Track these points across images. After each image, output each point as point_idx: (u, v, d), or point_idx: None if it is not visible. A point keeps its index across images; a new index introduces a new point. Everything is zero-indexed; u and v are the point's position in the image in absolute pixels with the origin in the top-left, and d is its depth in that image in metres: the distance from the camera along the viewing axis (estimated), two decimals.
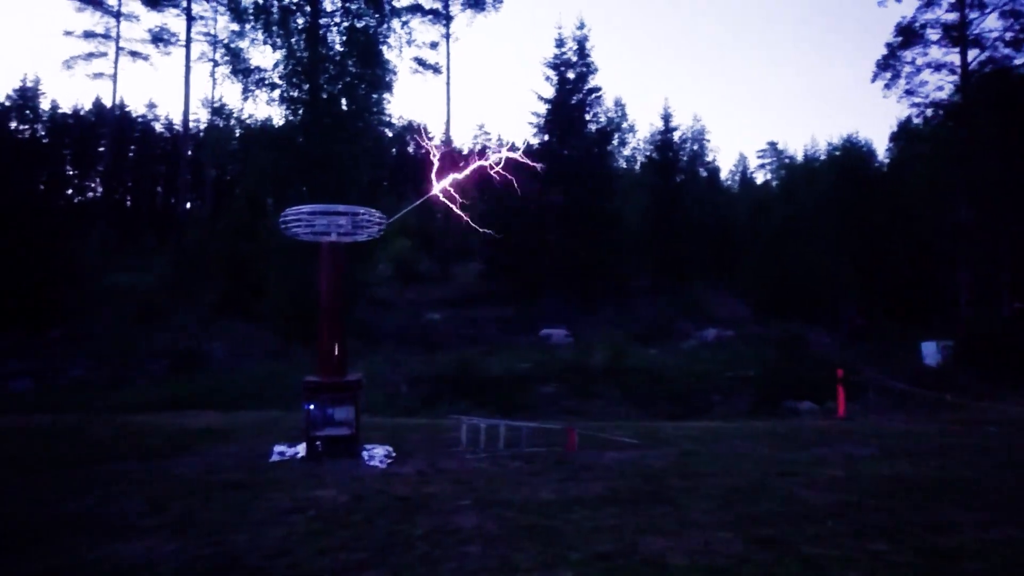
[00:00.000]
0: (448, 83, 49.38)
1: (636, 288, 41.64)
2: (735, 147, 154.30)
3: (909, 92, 33.62)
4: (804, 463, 8.98)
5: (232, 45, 28.39)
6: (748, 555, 5.22)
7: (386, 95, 28.66)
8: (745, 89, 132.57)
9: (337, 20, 27.61)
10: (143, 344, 26.65)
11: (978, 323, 28.48)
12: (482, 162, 11.19)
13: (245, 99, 27.72)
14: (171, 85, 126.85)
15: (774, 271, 36.35)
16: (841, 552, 5.27)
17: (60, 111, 62.79)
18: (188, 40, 48.19)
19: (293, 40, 26.60)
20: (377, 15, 27.73)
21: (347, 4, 27.39)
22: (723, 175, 75.97)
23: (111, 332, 27.60)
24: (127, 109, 63.49)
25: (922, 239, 34.63)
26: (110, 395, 19.26)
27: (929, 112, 34.39)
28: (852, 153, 44.04)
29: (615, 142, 53.24)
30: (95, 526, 6.10)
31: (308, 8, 27.00)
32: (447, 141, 54.39)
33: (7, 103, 57.40)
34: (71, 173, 62.73)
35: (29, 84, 60.47)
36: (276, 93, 26.99)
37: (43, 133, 60.86)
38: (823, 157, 56.67)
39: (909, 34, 32.84)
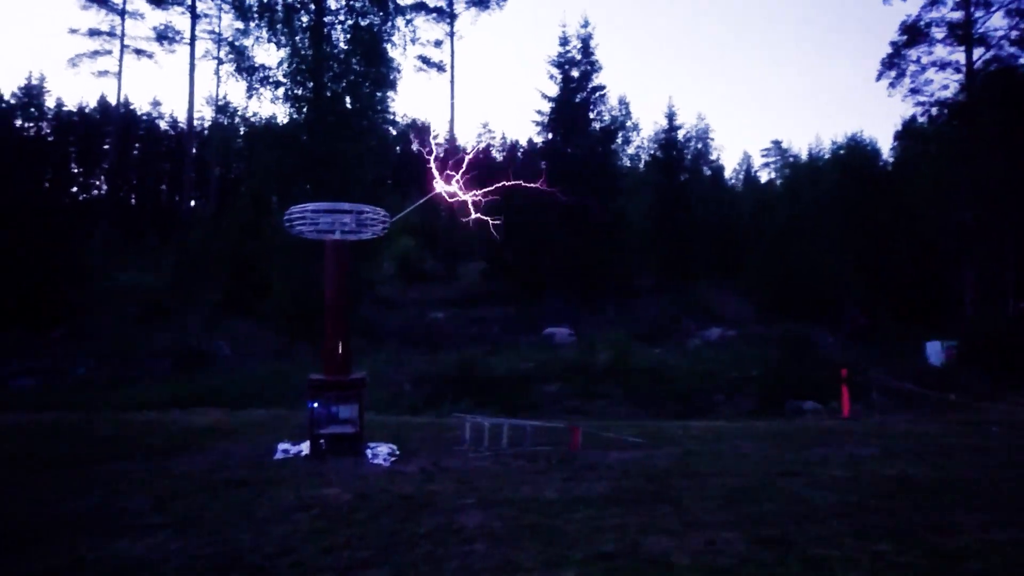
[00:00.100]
0: (452, 81, 49.48)
1: (640, 287, 41.64)
2: (739, 146, 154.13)
3: (914, 91, 33.53)
4: (807, 463, 8.98)
5: (236, 43, 28.44)
6: (751, 555, 5.22)
7: (390, 93, 28.71)
8: (749, 87, 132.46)
9: (341, 18, 27.64)
10: (147, 343, 26.71)
11: (982, 323, 28.39)
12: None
13: (249, 97, 27.81)
14: (175, 83, 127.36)
15: (778, 270, 36.28)
16: (844, 552, 5.27)
17: (65, 109, 62.95)
18: (192, 38, 48.34)
19: (297, 38, 26.62)
20: (381, 13, 27.74)
21: (351, 2, 27.42)
22: (727, 174, 75.95)
23: (115, 331, 27.66)
24: (132, 107, 63.68)
25: (926, 238, 34.53)
26: (114, 394, 19.30)
27: (934, 111, 34.28)
28: (856, 152, 43.96)
29: (619, 141, 53.19)
30: (99, 524, 6.13)
31: (312, 6, 27.04)
32: (451, 139, 54.47)
33: (12, 101, 57.56)
34: (76, 171, 62.87)
35: (34, 82, 60.67)
36: (280, 91, 27.04)
37: (48, 131, 61.01)
38: (827, 156, 56.62)
39: (914, 32, 32.74)
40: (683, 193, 46.67)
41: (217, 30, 49.20)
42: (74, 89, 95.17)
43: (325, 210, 9.89)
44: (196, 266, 36.74)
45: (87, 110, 63.67)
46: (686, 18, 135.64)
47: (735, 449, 10.27)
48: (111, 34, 49.54)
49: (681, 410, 19.10)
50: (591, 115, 40.87)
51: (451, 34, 49.21)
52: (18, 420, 13.01)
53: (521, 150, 64.31)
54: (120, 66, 50.06)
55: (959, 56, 32.58)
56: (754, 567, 4.97)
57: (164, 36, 49.41)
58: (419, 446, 10.58)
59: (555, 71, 40.48)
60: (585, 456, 9.66)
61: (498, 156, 74.17)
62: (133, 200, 64.75)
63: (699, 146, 65.93)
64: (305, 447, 9.51)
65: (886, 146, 57.87)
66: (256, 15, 26.80)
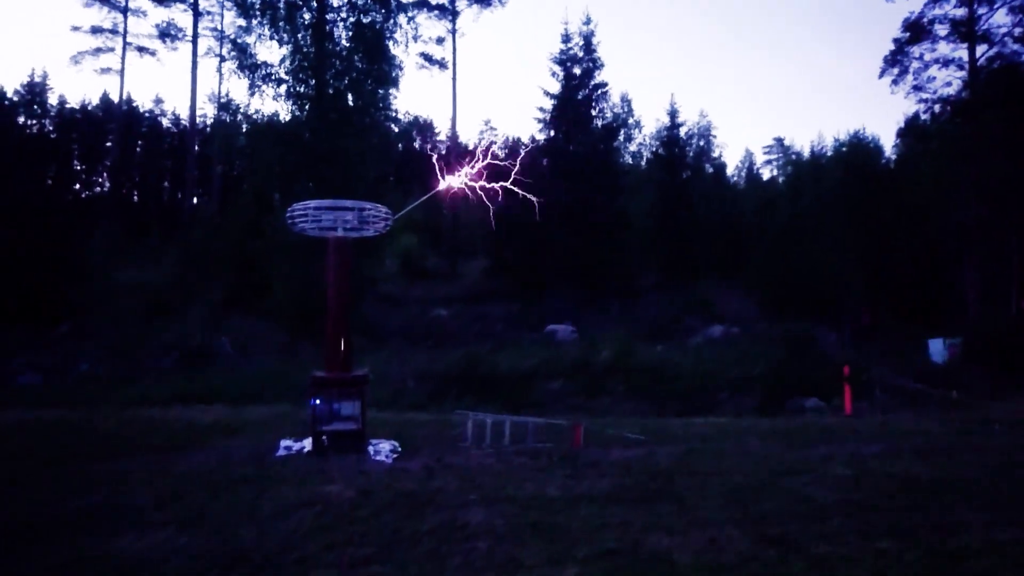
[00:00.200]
0: (454, 79, 49.41)
1: (642, 285, 41.61)
2: (741, 143, 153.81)
3: (917, 88, 33.44)
4: (810, 461, 8.97)
5: (239, 40, 28.51)
6: (754, 553, 5.22)
7: (392, 91, 28.69)
8: (751, 85, 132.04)
9: (343, 15, 27.63)
10: (150, 340, 26.74)
11: (985, 322, 28.36)
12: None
13: (251, 94, 27.89)
14: (178, 81, 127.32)
15: (780, 268, 36.23)
16: (847, 551, 5.27)
17: (68, 106, 62.92)
18: (195, 35, 48.32)
19: (299, 35, 26.63)
20: (383, 10, 27.73)
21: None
22: (729, 171, 75.78)
23: (118, 328, 27.68)
24: (134, 104, 63.59)
25: (929, 237, 34.47)
26: (118, 390, 19.32)
27: (937, 108, 34.19)
28: (859, 149, 43.89)
29: (621, 138, 53.16)
30: (102, 521, 6.14)
31: (314, 3, 27.03)
32: (453, 137, 54.46)
33: (15, 98, 57.57)
34: (78, 169, 62.91)
35: (37, 79, 60.67)
36: (282, 88, 27.05)
37: (51, 128, 61.05)
38: (830, 153, 56.50)
39: (917, 29, 32.65)
40: (685, 191, 46.59)
41: (219, 27, 49.23)
42: (77, 86, 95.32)
43: (327, 207, 9.90)
44: (199, 263, 36.75)
45: (90, 107, 63.65)
46: (688, 15, 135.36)
47: (737, 447, 10.27)
48: (114, 31, 49.57)
49: (684, 408, 19.08)
50: (593, 112, 40.83)
51: (453, 31, 49.16)
52: (22, 417, 13.04)
53: (523, 147, 64.25)
54: (123, 63, 50.10)
55: (962, 53, 32.51)
56: (757, 565, 4.97)
57: (166, 33, 49.43)
58: (421, 443, 10.59)
59: (557, 68, 40.43)
60: (587, 454, 9.66)
61: (500, 153, 74.15)
62: (135, 197, 64.75)
63: (701, 143, 65.74)
64: (307, 444, 9.52)
65: (889, 144, 57.81)
66: (258, 12, 26.83)
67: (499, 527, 5.93)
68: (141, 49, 50.39)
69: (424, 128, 72.34)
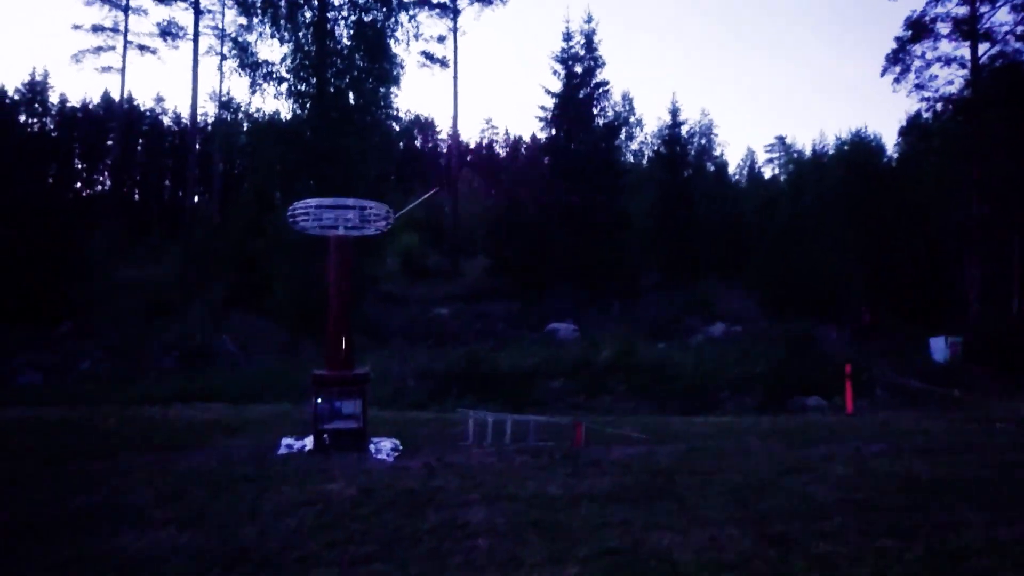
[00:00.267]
0: (455, 77, 49.38)
1: (643, 284, 41.62)
2: (743, 142, 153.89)
3: (919, 86, 33.46)
4: (811, 460, 8.96)
5: (239, 39, 28.44)
6: (756, 552, 5.22)
7: (393, 89, 28.66)
8: (753, 83, 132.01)
9: (345, 14, 27.61)
10: (152, 339, 26.76)
11: (987, 320, 28.35)
12: None
13: (252, 93, 27.80)
14: (179, 79, 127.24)
15: (782, 267, 36.21)
16: (849, 549, 5.27)
17: (69, 105, 63.04)
18: (196, 34, 48.26)
19: (300, 34, 26.62)
20: (384, 9, 27.70)
21: None
22: (731, 170, 75.75)
23: (120, 327, 27.72)
24: (135, 103, 63.70)
25: (931, 235, 34.47)
26: (119, 389, 19.35)
27: (939, 107, 34.21)
28: (861, 148, 43.84)
29: (622, 137, 53.16)
30: (105, 519, 6.14)
31: (315, 1, 27.01)
32: (454, 135, 54.43)
33: (16, 97, 57.63)
34: (79, 167, 63.01)
35: (38, 78, 60.74)
36: (283, 87, 27.05)
37: (52, 127, 61.14)
38: (831, 152, 56.45)
39: (919, 28, 32.64)
40: (686, 190, 46.59)
41: (220, 26, 49.18)
42: (78, 85, 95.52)
43: (328, 206, 9.89)
44: (200, 262, 36.82)
45: (91, 106, 63.75)
46: (689, 13, 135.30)
47: (738, 446, 10.26)
48: (114, 30, 49.58)
49: (684, 407, 19.08)
50: (594, 111, 40.83)
51: (454, 30, 49.15)
52: (24, 415, 13.05)
53: (524, 146, 64.21)
54: (123, 62, 50.12)
55: (964, 51, 32.53)
56: (758, 564, 4.97)
57: (167, 32, 49.41)
58: (423, 442, 10.59)
59: (558, 67, 40.43)
60: (588, 452, 9.66)
61: (501, 152, 74.16)
62: (136, 196, 64.84)
63: (703, 142, 65.70)
64: (309, 442, 9.53)
65: (891, 142, 57.70)
66: (259, 10, 26.80)
67: (500, 525, 5.92)
68: (142, 48, 50.43)
69: (425, 127, 72.39)
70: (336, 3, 27.55)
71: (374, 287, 32.14)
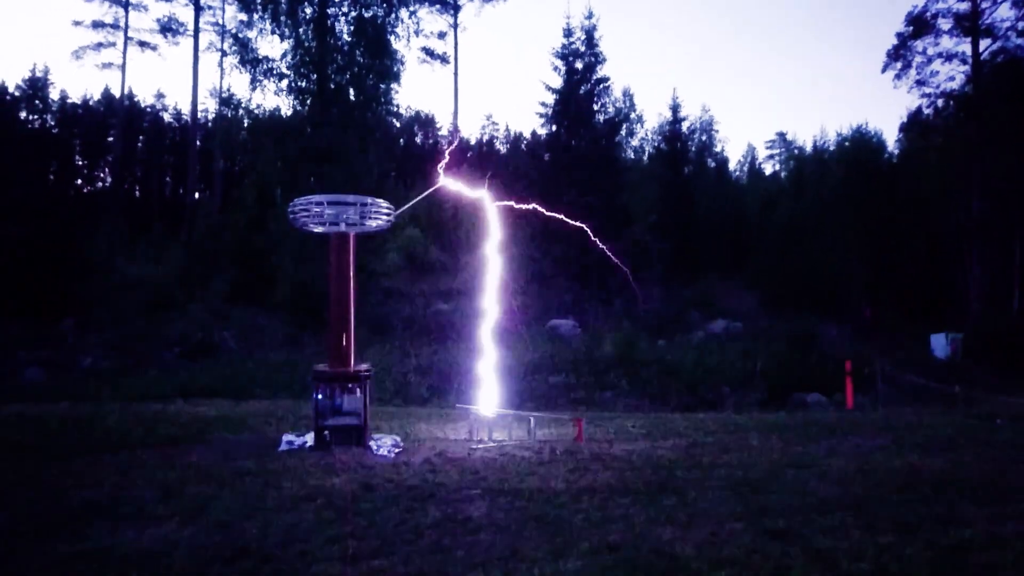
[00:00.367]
0: (456, 73, 49.43)
1: (646, 280, 41.56)
2: (743, 138, 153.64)
3: (920, 82, 33.45)
4: (813, 455, 8.98)
5: (240, 35, 28.47)
6: (757, 546, 5.23)
7: (394, 85, 28.69)
8: (754, 79, 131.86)
9: (345, 10, 27.62)
10: (154, 334, 26.79)
11: (988, 317, 28.36)
12: None
13: (253, 89, 27.84)
14: (179, 75, 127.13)
15: (783, 264, 36.22)
16: (850, 544, 5.28)
17: (69, 101, 62.89)
18: (196, 30, 48.31)
19: (301, 30, 26.64)
20: (385, 5, 27.73)
21: None
22: (731, 166, 75.69)
23: (122, 323, 27.75)
24: (136, 99, 63.59)
25: (932, 231, 34.45)
26: (122, 384, 19.38)
27: (940, 103, 34.23)
28: (862, 144, 43.79)
29: (623, 133, 53.10)
30: (110, 513, 6.17)
31: None
32: (455, 131, 54.44)
33: (17, 93, 57.57)
34: (80, 164, 62.94)
35: (38, 74, 60.65)
36: (284, 83, 27.09)
37: (52, 124, 61.06)
38: (832, 148, 56.41)
39: (920, 24, 32.62)
40: (687, 186, 46.56)
41: (221, 22, 49.22)
42: (78, 81, 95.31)
43: (329, 202, 9.88)
44: (202, 258, 36.82)
45: (91, 102, 63.65)
46: (690, 9, 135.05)
47: (740, 442, 10.28)
48: (115, 26, 49.60)
49: (687, 402, 19.12)
50: (595, 107, 40.74)
51: (455, 26, 49.19)
52: (26, 411, 13.07)
53: (525, 142, 64.16)
54: (124, 58, 50.16)
55: (965, 47, 32.51)
56: (759, 558, 4.98)
57: (168, 28, 49.43)
58: (424, 437, 10.60)
59: (559, 63, 40.35)
60: (590, 447, 9.67)
61: (502, 148, 74.05)
62: (138, 193, 64.81)
63: (703, 138, 65.61)
64: (310, 438, 9.54)
65: (892, 138, 57.55)
66: (260, 7, 26.82)
67: (501, 520, 5.94)
68: (142, 44, 50.47)
69: (426, 123, 72.26)
70: None
71: (375, 283, 32.15)
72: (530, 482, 7.36)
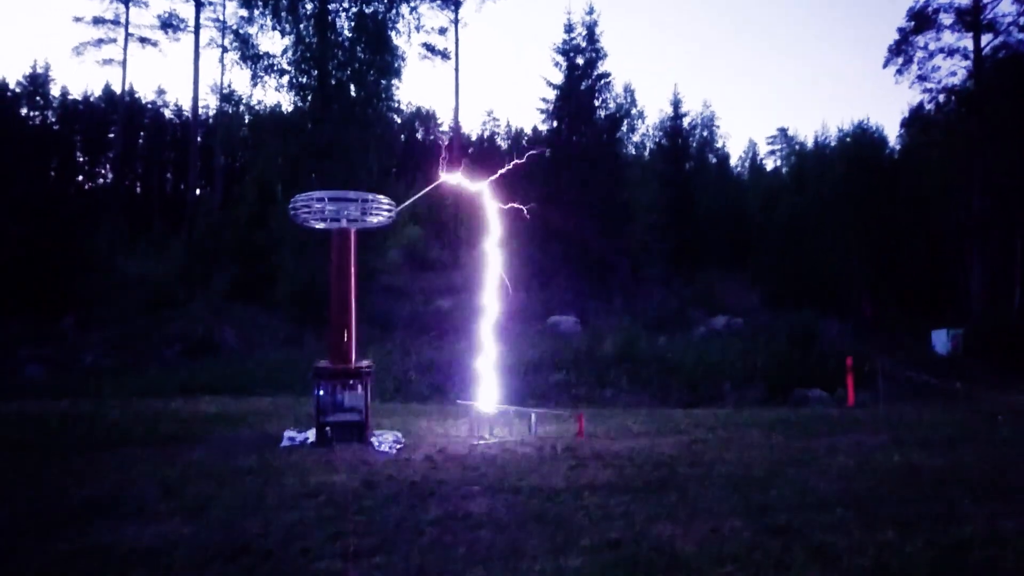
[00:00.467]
0: (457, 69, 49.27)
1: (647, 276, 41.58)
2: (745, 133, 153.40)
3: (921, 78, 33.39)
4: (814, 452, 8.98)
5: (241, 31, 28.45)
6: (758, 543, 5.24)
7: (395, 81, 28.64)
8: (755, 74, 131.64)
9: (346, 6, 27.56)
10: (155, 331, 26.80)
11: (989, 313, 28.34)
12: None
13: (254, 85, 27.83)
14: (180, 72, 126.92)
15: (784, 259, 36.20)
16: (850, 541, 5.28)
17: (70, 98, 62.93)
18: (197, 26, 48.20)
19: (302, 26, 26.59)
20: (386, 0, 27.65)
21: None
22: (733, 162, 75.62)
23: (123, 320, 27.76)
24: (137, 96, 63.61)
25: (933, 227, 34.42)
26: (123, 382, 19.39)
27: (942, 98, 34.16)
28: (863, 140, 43.73)
29: (624, 128, 53.05)
30: (111, 511, 6.18)
31: None
32: (456, 127, 54.36)
33: (17, 90, 57.57)
34: (81, 160, 62.96)
35: (39, 71, 60.66)
36: (285, 79, 27.05)
37: (53, 120, 61.07)
38: (834, 144, 56.32)
39: (922, 19, 32.54)
40: (689, 182, 46.51)
41: (221, 18, 49.06)
42: (79, 78, 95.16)
43: (330, 199, 9.88)
44: (203, 255, 36.82)
45: (92, 99, 63.65)
46: (691, 4, 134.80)
47: (740, 438, 10.28)
48: (115, 22, 49.49)
49: (688, 398, 19.11)
50: (596, 103, 40.67)
51: (455, 21, 49.01)
52: (28, 409, 13.09)
53: (526, 138, 64.12)
54: (125, 55, 50.06)
55: (967, 43, 32.42)
56: (760, 555, 4.99)
57: (168, 24, 49.33)
58: (425, 434, 10.61)
59: (560, 58, 40.28)
60: (591, 444, 9.68)
61: (503, 144, 74.03)
62: (139, 189, 64.84)
63: (704, 134, 65.54)
64: (311, 435, 9.55)
65: (893, 134, 57.42)
66: (260, 2, 26.78)
67: (502, 517, 5.95)
68: (143, 40, 50.35)
69: (427, 119, 72.25)
70: None
71: (376, 279, 32.15)
72: (531, 479, 7.36)
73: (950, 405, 15.90)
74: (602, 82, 40.56)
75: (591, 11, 40.18)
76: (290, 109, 28.09)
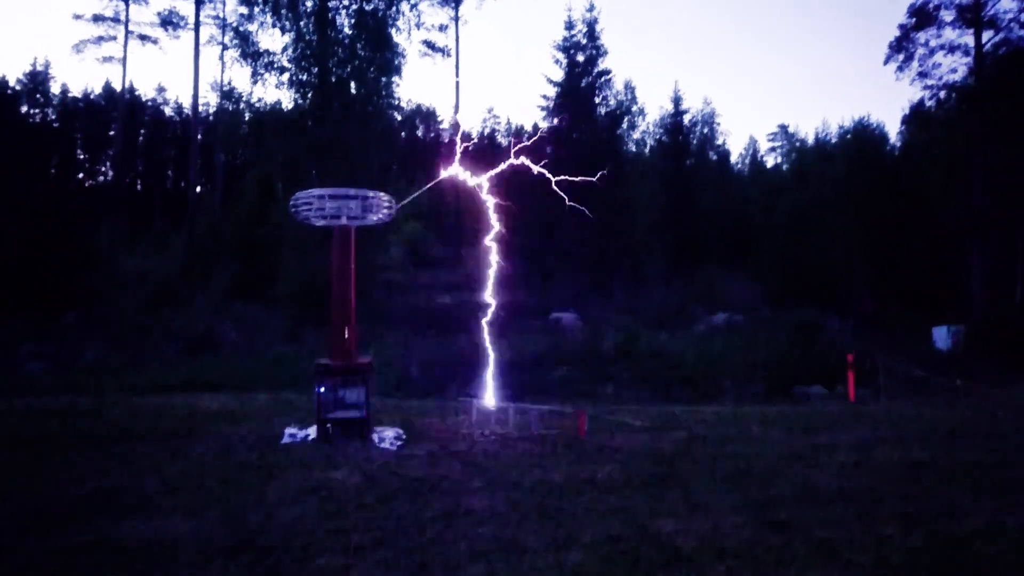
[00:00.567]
0: (457, 66, 49.13)
1: (647, 273, 41.58)
2: (745, 130, 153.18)
3: (922, 74, 33.25)
4: (815, 447, 8.99)
5: (241, 28, 28.37)
6: (758, 538, 5.25)
7: (395, 79, 28.58)
8: (755, 71, 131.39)
9: (346, 3, 27.51)
10: (157, 328, 26.82)
11: (990, 309, 28.32)
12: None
13: (254, 83, 27.78)
14: (180, 69, 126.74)
15: (785, 256, 36.16)
16: (851, 536, 5.30)
17: (70, 95, 62.90)
18: (197, 23, 48.08)
19: (302, 23, 26.54)
20: None
21: None
22: (733, 158, 75.54)
23: (125, 316, 27.79)
24: (137, 93, 63.55)
25: (934, 224, 34.37)
26: (125, 378, 19.42)
27: (942, 95, 34.03)
28: (864, 137, 43.66)
29: (625, 125, 52.98)
30: (114, 506, 6.19)
31: None
32: (456, 125, 54.31)
33: (18, 87, 57.53)
34: (82, 158, 62.96)
35: (39, 68, 60.63)
36: (285, 77, 26.99)
37: (54, 118, 61.05)
38: (834, 140, 56.27)
39: (923, 15, 32.44)
40: (689, 178, 46.47)
41: (222, 15, 48.92)
42: (79, 76, 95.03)
43: (331, 196, 9.89)
44: (204, 252, 36.83)
45: (92, 96, 63.62)
46: (692, 1, 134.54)
47: (741, 434, 10.30)
48: (115, 20, 49.39)
49: (689, 395, 19.12)
50: (596, 100, 40.65)
51: (456, 19, 48.85)
52: (31, 405, 13.11)
53: (526, 135, 64.15)
54: (125, 52, 49.95)
55: (968, 39, 32.28)
56: (761, 550, 5.00)
57: (168, 21, 49.24)
58: (426, 430, 10.62)
59: (560, 55, 40.25)
60: (592, 440, 9.69)
61: (503, 141, 74.00)
62: (139, 187, 64.84)
63: (705, 131, 65.46)
64: (312, 431, 9.56)
65: (894, 131, 57.35)
66: (260, 0, 26.71)
67: (504, 512, 5.96)
68: (143, 37, 50.23)
69: (427, 116, 72.15)
70: None
71: (377, 276, 32.14)
72: (532, 474, 7.38)
73: (950, 401, 15.91)
74: (602, 79, 40.53)
75: (591, 8, 40.14)
76: (290, 106, 28.07)
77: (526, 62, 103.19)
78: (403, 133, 61.18)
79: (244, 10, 27.97)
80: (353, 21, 27.16)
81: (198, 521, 5.75)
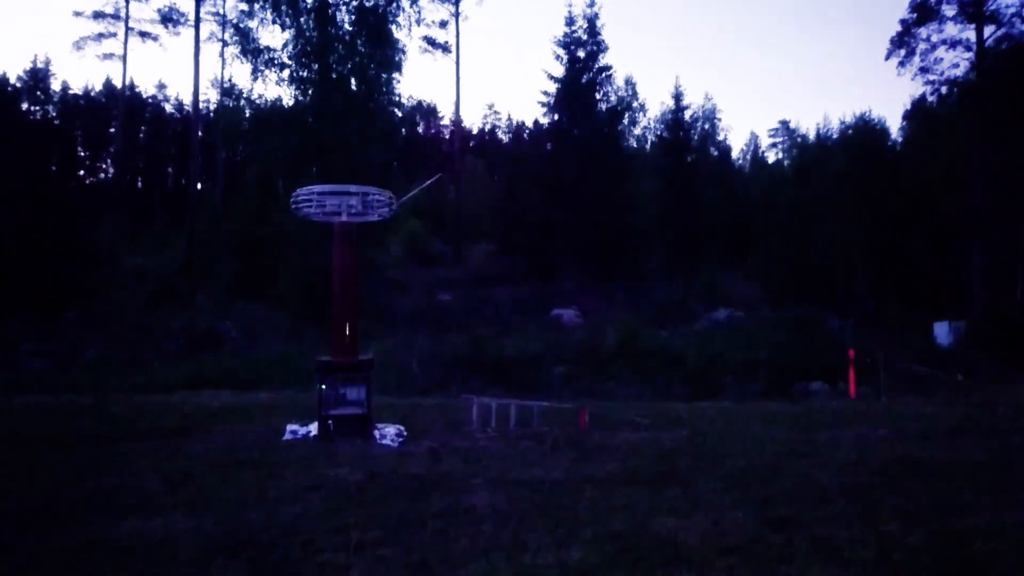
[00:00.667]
0: (457, 62, 49.11)
1: (648, 270, 41.59)
2: (746, 126, 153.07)
3: (924, 70, 33.20)
4: (815, 444, 8.99)
5: (241, 25, 28.37)
6: (760, 535, 5.24)
7: (396, 75, 28.57)
8: (757, 67, 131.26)
9: None
10: (157, 325, 26.84)
11: (991, 305, 28.29)
12: None
13: (254, 79, 27.77)
14: (181, 66, 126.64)
15: (786, 253, 36.15)
16: (852, 533, 5.28)
17: (71, 92, 62.90)
18: (197, 20, 48.02)
19: (302, 20, 26.53)
20: None
21: None
22: (734, 154, 75.48)
23: (126, 314, 27.81)
24: (137, 90, 63.56)
25: (936, 220, 34.33)
26: (126, 375, 19.44)
27: (944, 90, 33.98)
28: (865, 132, 43.61)
29: (625, 121, 52.93)
30: (114, 504, 6.19)
31: None
32: (457, 121, 54.27)
33: (18, 84, 57.52)
34: (82, 155, 62.97)
35: (40, 65, 60.61)
36: (285, 73, 27.01)
37: (54, 115, 61.05)
38: (836, 136, 56.18)
39: (924, 10, 32.38)
40: (690, 175, 46.44)
41: (222, 12, 48.89)
42: (79, 73, 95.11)
43: (332, 192, 9.88)
44: (205, 250, 36.87)
45: (93, 93, 63.63)
46: None
47: (742, 431, 10.29)
48: (116, 16, 49.39)
49: (690, 392, 19.13)
50: (597, 96, 40.63)
51: (456, 15, 48.85)
52: (31, 402, 13.12)
53: (527, 131, 64.01)
54: (125, 49, 49.96)
55: (970, 34, 32.23)
56: (762, 547, 4.99)
57: (168, 18, 49.21)
58: (427, 427, 10.63)
59: (561, 51, 40.24)
60: (593, 437, 9.69)
61: (504, 138, 73.91)
62: (140, 184, 64.85)
63: (706, 127, 65.40)
64: (313, 428, 9.56)
65: (895, 126, 57.22)
66: None
67: (505, 510, 5.95)
68: (143, 34, 50.23)
69: (428, 113, 72.12)
70: None
71: (378, 273, 32.16)
72: (533, 471, 7.37)
73: (952, 397, 15.89)
74: (603, 75, 40.52)
75: (592, 4, 40.14)
76: (291, 103, 28.07)
77: (527, 58, 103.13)
78: (404, 130, 61.11)
79: (244, 6, 28.00)
80: (353, 17, 27.16)
81: (199, 519, 5.74)
